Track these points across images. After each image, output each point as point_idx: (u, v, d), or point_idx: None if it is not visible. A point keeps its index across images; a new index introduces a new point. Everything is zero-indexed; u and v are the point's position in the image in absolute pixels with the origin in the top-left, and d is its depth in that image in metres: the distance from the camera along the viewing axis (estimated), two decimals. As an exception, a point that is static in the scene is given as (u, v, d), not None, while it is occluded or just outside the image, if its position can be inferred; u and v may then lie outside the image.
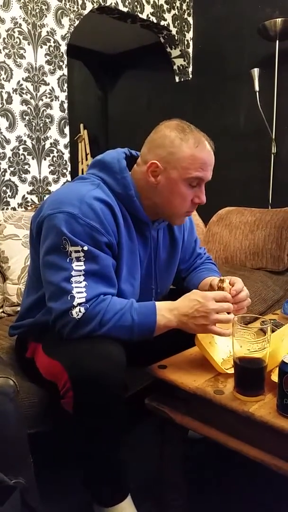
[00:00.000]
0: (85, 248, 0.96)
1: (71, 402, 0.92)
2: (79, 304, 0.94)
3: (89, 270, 0.97)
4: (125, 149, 1.13)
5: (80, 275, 0.96)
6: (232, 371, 0.96)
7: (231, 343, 0.94)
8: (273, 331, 1.02)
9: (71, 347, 0.95)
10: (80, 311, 0.94)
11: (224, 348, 1.06)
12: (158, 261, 1.20)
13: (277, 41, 2.66)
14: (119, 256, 1.05)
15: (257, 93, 2.76)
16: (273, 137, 2.84)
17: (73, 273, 0.95)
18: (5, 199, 2.23)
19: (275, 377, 0.90)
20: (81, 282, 0.96)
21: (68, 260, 0.96)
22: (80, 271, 0.96)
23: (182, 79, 3.44)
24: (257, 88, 2.75)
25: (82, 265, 0.96)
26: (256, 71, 2.74)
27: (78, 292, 0.95)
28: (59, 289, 0.96)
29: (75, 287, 0.95)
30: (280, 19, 2.59)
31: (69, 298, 0.95)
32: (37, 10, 2.25)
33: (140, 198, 1.07)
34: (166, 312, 0.99)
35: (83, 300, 0.95)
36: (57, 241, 0.96)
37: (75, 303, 0.94)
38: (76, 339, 0.96)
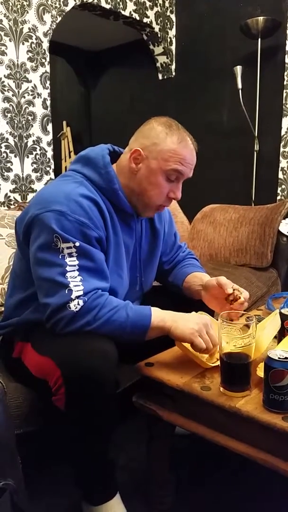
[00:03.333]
0: (77, 244, 0.97)
1: (63, 398, 0.92)
2: (77, 297, 0.95)
3: (83, 265, 0.98)
4: (108, 145, 1.15)
5: (74, 270, 0.97)
6: (217, 363, 0.97)
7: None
8: (258, 327, 1.03)
9: (63, 344, 0.95)
10: (78, 304, 0.94)
11: None
12: (142, 252, 1.22)
13: (259, 39, 2.68)
14: (106, 250, 1.07)
15: (240, 91, 2.78)
16: (256, 134, 2.86)
17: (67, 268, 0.96)
18: (-13, 198, 2.21)
19: (260, 372, 0.91)
20: (76, 277, 0.96)
21: (60, 257, 0.96)
22: (74, 266, 0.97)
23: (165, 77, 3.45)
24: (240, 85, 2.77)
25: (75, 260, 0.97)
26: (239, 69, 2.76)
27: (75, 286, 0.95)
28: (55, 283, 0.96)
29: (71, 281, 0.96)
30: (261, 17, 2.62)
31: (66, 292, 0.95)
32: (18, 6, 2.22)
33: (124, 190, 1.10)
34: (160, 321, 1.00)
35: (81, 293, 0.95)
36: (49, 239, 0.97)
37: (73, 296, 0.95)
38: (68, 336, 0.96)
